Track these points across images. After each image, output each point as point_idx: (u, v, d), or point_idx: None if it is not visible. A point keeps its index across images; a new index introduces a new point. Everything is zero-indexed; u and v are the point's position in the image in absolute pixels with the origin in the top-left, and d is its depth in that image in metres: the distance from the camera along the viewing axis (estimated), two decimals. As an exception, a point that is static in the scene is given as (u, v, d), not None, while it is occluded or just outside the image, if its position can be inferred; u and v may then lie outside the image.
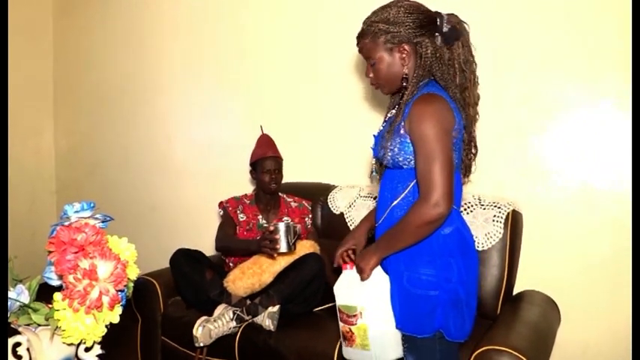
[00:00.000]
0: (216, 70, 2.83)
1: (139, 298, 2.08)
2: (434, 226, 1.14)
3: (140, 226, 3.11)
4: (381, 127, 1.32)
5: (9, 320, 1.04)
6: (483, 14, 1.93)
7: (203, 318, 1.82)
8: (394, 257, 1.22)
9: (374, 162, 1.33)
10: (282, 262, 1.94)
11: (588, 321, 1.88)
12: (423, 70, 1.23)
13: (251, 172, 2.26)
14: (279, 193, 2.26)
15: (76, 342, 1.00)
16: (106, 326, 1.03)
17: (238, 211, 2.19)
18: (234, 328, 1.84)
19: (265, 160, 2.16)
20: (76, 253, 1.00)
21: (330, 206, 2.26)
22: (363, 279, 1.25)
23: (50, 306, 1.03)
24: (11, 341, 1.00)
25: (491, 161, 1.89)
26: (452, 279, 1.17)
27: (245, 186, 2.52)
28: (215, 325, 1.79)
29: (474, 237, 1.43)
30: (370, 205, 2.15)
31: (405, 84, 1.25)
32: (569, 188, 1.92)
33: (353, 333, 1.25)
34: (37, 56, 3.56)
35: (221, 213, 2.23)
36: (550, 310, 1.78)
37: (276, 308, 1.83)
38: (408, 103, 1.20)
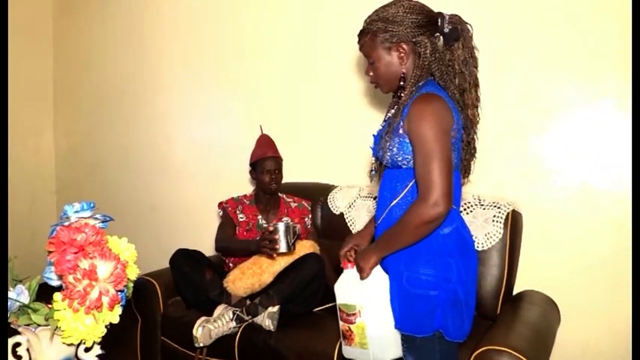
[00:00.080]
0: (216, 70, 2.83)
1: (139, 298, 2.08)
2: (433, 225, 1.14)
3: (140, 226, 3.11)
4: (381, 127, 1.32)
5: (9, 320, 1.04)
6: (483, 14, 1.93)
7: (203, 318, 1.82)
8: (394, 257, 1.22)
9: (374, 161, 1.33)
10: (282, 262, 1.94)
11: (588, 321, 1.88)
12: (421, 69, 1.23)
13: (251, 172, 2.26)
14: (279, 194, 2.26)
15: (76, 342, 1.00)
16: (106, 326, 1.03)
17: (238, 212, 2.19)
18: (234, 328, 1.84)
19: (265, 160, 2.16)
20: (75, 253, 1.00)
21: (330, 206, 2.26)
22: (362, 278, 1.25)
23: (50, 306, 1.03)
24: (11, 341, 1.00)
25: (491, 161, 1.89)
26: (451, 279, 1.17)
27: (245, 186, 2.52)
28: (215, 326, 1.79)
29: (474, 237, 1.43)
30: (370, 205, 2.15)
31: (403, 83, 1.25)
32: (569, 188, 1.92)
33: (352, 332, 1.25)
34: (37, 56, 3.56)
35: (220, 213, 2.23)
36: (550, 310, 1.77)
37: (276, 308, 1.83)
38: (407, 103, 1.20)
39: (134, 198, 3.23)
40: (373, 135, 1.33)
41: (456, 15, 1.25)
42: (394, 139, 1.21)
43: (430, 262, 1.18)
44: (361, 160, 2.19)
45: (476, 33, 1.28)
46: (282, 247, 1.84)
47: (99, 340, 1.04)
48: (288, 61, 2.57)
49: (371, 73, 1.31)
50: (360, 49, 1.32)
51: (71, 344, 1.02)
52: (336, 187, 2.33)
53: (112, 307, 1.01)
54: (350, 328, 1.26)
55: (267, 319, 1.81)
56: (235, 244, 2.10)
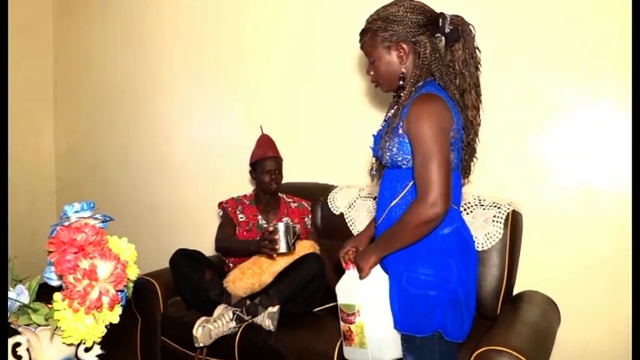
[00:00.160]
0: (216, 70, 2.83)
1: (139, 298, 2.08)
2: (431, 225, 1.14)
3: (140, 226, 3.11)
4: (381, 127, 1.32)
5: (9, 320, 1.04)
6: (483, 14, 1.92)
7: (203, 318, 1.82)
8: (394, 257, 1.22)
9: (374, 161, 1.33)
10: (282, 263, 1.94)
11: (588, 321, 1.88)
12: (420, 69, 1.23)
13: (251, 172, 2.25)
14: (279, 194, 2.26)
15: (76, 342, 1.00)
16: (106, 326, 1.03)
17: (238, 212, 2.19)
18: (234, 328, 1.84)
19: (265, 160, 2.16)
20: (75, 253, 1.00)
21: (330, 206, 2.26)
22: (361, 277, 1.25)
23: (50, 306, 1.03)
24: (11, 341, 1.00)
25: (492, 161, 1.89)
26: (451, 279, 1.17)
27: (245, 186, 2.52)
28: (215, 326, 1.79)
29: (474, 237, 1.42)
30: (370, 205, 2.15)
31: (403, 83, 1.25)
32: (569, 188, 1.92)
33: (352, 332, 1.26)
34: (37, 56, 3.55)
35: (220, 213, 2.23)
36: (550, 311, 1.78)
37: (276, 308, 1.83)
38: (407, 103, 1.20)
39: (134, 198, 3.23)
40: (373, 135, 1.34)
41: (459, 16, 1.25)
42: (394, 139, 1.21)
43: (430, 262, 1.18)
44: (361, 160, 2.19)
45: (476, 33, 1.28)
46: (282, 247, 1.84)
47: (99, 340, 1.04)
48: (288, 61, 2.57)
49: (371, 73, 1.31)
50: (361, 48, 1.33)
51: (71, 344, 1.02)
52: (336, 187, 2.32)
53: (112, 307, 1.01)
54: (350, 329, 1.26)
55: (267, 319, 1.81)
56: (235, 244, 2.10)
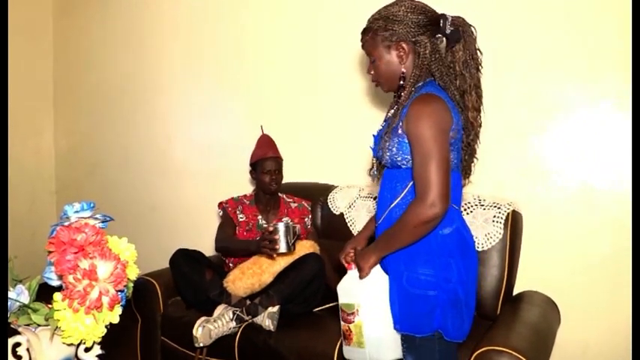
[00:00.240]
0: (216, 70, 2.83)
1: (139, 298, 2.08)
2: (431, 225, 1.14)
3: (140, 226, 3.11)
4: (381, 127, 1.32)
5: (9, 320, 1.04)
6: (483, 14, 1.92)
7: (203, 318, 1.82)
8: (394, 257, 1.22)
9: (374, 161, 1.33)
10: (282, 263, 1.94)
11: (588, 321, 1.88)
12: (420, 69, 1.23)
13: (251, 172, 2.25)
14: (279, 194, 2.26)
15: (76, 342, 1.00)
16: (106, 326, 1.03)
17: (238, 212, 2.19)
18: (234, 328, 1.84)
19: (265, 160, 2.16)
20: (75, 253, 1.00)
21: (330, 206, 2.26)
22: (361, 277, 1.25)
23: (50, 306, 1.03)
24: (11, 341, 1.00)
25: (492, 161, 1.89)
26: (451, 279, 1.18)
27: (245, 186, 2.52)
28: (215, 326, 1.79)
29: (474, 237, 1.42)
30: (370, 205, 2.15)
31: (403, 82, 1.25)
32: (569, 188, 1.92)
33: (351, 331, 1.26)
34: (37, 56, 3.55)
35: (220, 213, 2.23)
36: (550, 311, 1.78)
37: (275, 308, 1.83)
38: (406, 103, 1.20)
39: (134, 198, 3.23)
40: (373, 135, 1.34)
41: (460, 17, 1.25)
42: (393, 139, 1.21)
43: (429, 262, 1.18)
44: (361, 160, 2.19)
45: (477, 34, 1.28)
46: (282, 247, 1.84)
47: (99, 340, 1.04)
48: (288, 61, 2.57)
49: (372, 72, 1.31)
50: (362, 47, 1.33)
51: (71, 344, 1.02)
52: (336, 187, 2.32)
53: (112, 307, 1.01)
54: (349, 328, 1.27)
55: (267, 319, 1.81)
56: (235, 244, 2.10)
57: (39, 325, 1.04)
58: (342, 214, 2.22)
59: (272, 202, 2.23)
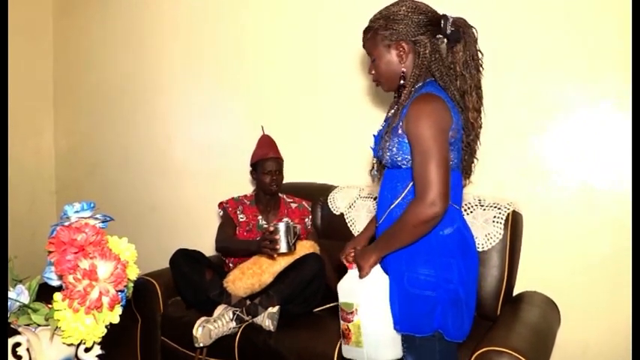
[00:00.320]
0: (216, 70, 2.83)
1: (139, 298, 2.08)
2: (430, 225, 1.14)
3: (140, 226, 3.11)
4: (381, 127, 1.32)
5: (9, 320, 1.04)
6: (483, 14, 1.92)
7: (203, 318, 1.82)
8: (394, 257, 1.22)
9: (374, 161, 1.33)
10: (282, 263, 1.94)
11: (588, 321, 1.88)
12: (420, 69, 1.23)
13: (251, 172, 2.25)
14: (279, 194, 2.26)
15: (76, 342, 1.00)
16: (106, 326, 1.03)
17: (238, 212, 2.19)
18: (234, 328, 1.84)
19: (266, 161, 2.16)
20: (76, 253, 1.00)
21: (330, 207, 2.26)
22: (361, 276, 1.25)
23: (50, 306, 1.03)
24: (11, 341, 1.00)
25: (492, 161, 1.89)
26: (453, 280, 1.18)
27: (245, 186, 2.52)
28: (215, 326, 1.79)
29: (474, 237, 1.42)
30: (370, 205, 2.15)
31: (402, 82, 1.25)
32: (569, 188, 1.92)
33: (350, 330, 1.26)
34: (37, 56, 3.55)
35: (221, 213, 2.23)
36: (550, 311, 1.78)
37: (275, 309, 1.83)
38: (406, 103, 1.20)
39: (134, 198, 3.23)
40: (374, 135, 1.34)
41: (462, 18, 1.25)
42: (393, 139, 1.21)
43: (430, 262, 1.18)
44: (361, 161, 2.19)
45: (477, 34, 1.28)
46: (283, 247, 1.84)
47: (99, 340, 1.04)
48: (288, 61, 2.57)
49: (373, 72, 1.32)
50: (364, 47, 1.34)
51: (71, 344, 1.02)
52: (336, 187, 2.32)
53: (112, 307, 1.01)
54: (348, 327, 1.27)
55: (267, 320, 1.81)
56: (236, 244, 2.10)
57: (39, 325, 1.04)
58: (342, 215, 2.22)
59: (272, 203, 2.23)
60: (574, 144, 1.91)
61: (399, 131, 1.20)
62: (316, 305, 1.95)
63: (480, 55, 1.26)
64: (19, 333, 1.02)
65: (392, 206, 1.24)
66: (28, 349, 1.01)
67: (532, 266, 1.92)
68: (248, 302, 1.88)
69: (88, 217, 1.07)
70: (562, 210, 1.93)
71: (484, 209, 1.87)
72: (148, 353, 2.09)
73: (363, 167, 2.19)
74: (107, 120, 3.37)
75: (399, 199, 1.23)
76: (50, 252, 1.01)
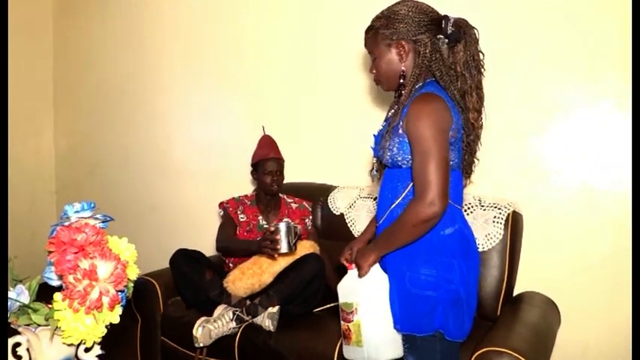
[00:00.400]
0: (216, 70, 2.83)
1: (139, 298, 2.08)
2: (430, 224, 1.14)
3: (140, 226, 3.11)
4: (381, 127, 1.32)
5: (9, 320, 1.04)
6: (483, 14, 1.92)
7: (203, 318, 1.82)
8: (395, 257, 1.22)
9: (374, 161, 1.34)
10: (282, 263, 1.94)
11: (588, 321, 1.88)
12: (420, 68, 1.23)
13: (252, 172, 2.25)
14: (280, 194, 2.26)
15: (76, 342, 1.00)
16: (106, 326, 1.03)
17: (239, 212, 2.19)
18: (234, 328, 1.84)
19: (267, 161, 2.16)
20: (76, 253, 1.00)
21: (330, 207, 2.26)
22: (360, 275, 1.25)
23: (50, 306, 1.03)
24: (11, 341, 1.00)
25: (492, 161, 1.89)
26: (454, 280, 1.18)
27: (245, 186, 2.52)
28: (215, 326, 1.79)
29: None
30: (370, 205, 2.14)
31: (403, 81, 1.25)
32: (569, 188, 1.92)
33: (350, 330, 1.26)
34: (37, 56, 3.55)
35: (221, 213, 2.23)
36: (550, 312, 1.77)
37: (275, 309, 1.83)
38: (407, 102, 1.20)
39: (134, 198, 3.23)
40: (374, 135, 1.34)
41: (463, 19, 1.25)
42: (394, 138, 1.21)
43: (430, 262, 1.18)
44: (361, 161, 2.19)
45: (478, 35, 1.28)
46: (284, 247, 1.84)
47: (99, 340, 1.04)
48: (288, 61, 2.57)
49: (374, 71, 1.32)
50: (365, 46, 1.34)
51: (71, 344, 1.02)
52: (336, 187, 2.32)
53: (112, 307, 1.01)
54: (349, 327, 1.27)
55: (267, 320, 1.81)
56: (236, 244, 2.09)
57: (39, 325, 1.04)
58: (342, 215, 2.22)
59: (273, 203, 2.23)
60: (574, 144, 1.91)
61: (400, 131, 1.20)
62: (316, 305, 1.95)
63: (481, 56, 1.26)
64: (19, 333, 1.02)
65: (392, 206, 1.24)
66: (28, 349, 1.01)
67: (532, 266, 1.92)
68: (248, 302, 1.88)
69: (88, 217, 1.07)
70: (562, 210, 1.93)
71: (484, 209, 1.86)
72: (148, 353, 2.09)
73: (363, 167, 2.19)
74: (107, 120, 3.37)
75: (400, 198, 1.23)
76: (50, 252, 1.01)
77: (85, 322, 0.98)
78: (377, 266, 1.26)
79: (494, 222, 1.83)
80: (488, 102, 1.31)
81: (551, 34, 1.92)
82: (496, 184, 2.00)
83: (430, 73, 1.25)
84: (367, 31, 1.32)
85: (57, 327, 0.99)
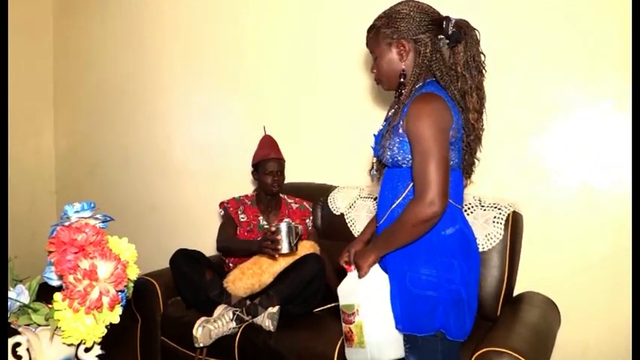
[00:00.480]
0: (216, 70, 2.83)
1: (139, 298, 2.08)
2: (429, 224, 1.14)
3: (140, 226, 3.11)
4: (382, 126, 1.32)
5: (9, 320, 1.04)
6: (483, 14, 1.92)
7: (203, 318, 1.82)
8: (395, 257, 1.22)
9: (374, 161, 1.34)
10: (282, 263, 1.94)
11: (588, 321, 1.88)
12: (420, 68, 1.23)
13: (253, 173, 2.25)
14: (281, 194, 2.26)
15: (76, 342, 1.00)
16: (106, 326, 1.03)
17: (239, 212, 2.19)
18: (234, 328, 1.84)
19: (268, 161, 2.16)
20: (76, 253, 1.00)
21: (331, 207, 2.26)
22: (360, 276, 1.25)
23: (50, 306, 1.03)
24: (11, 341, 1.00)
25: (492, 161, 1.88)
26: (454, 280, 1.18)
27: (245, 186, 2.52)
28: (215, 326, 1.79)
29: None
30: (370, 205, 2.14)
31: (403, 80, 1.26)
32: (569, 188, 1.92)
33: (352, 332, 1.26)
34: (37, 56, 3.55)
35: (222, 213, 2.23)
36: (550, 312, 1.77)
37: (275, 309, 1.83)
38: (407, 102, 1.20)
39: (134, 198, 3.23)
40: (374, 135, 1.34)
41: (465, 20, 1.25)
42: (394, 138, 1.21)
43: (431, 262, 1.18)
44: (361, 161, 2.19)
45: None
46: (285, 247, 1.84)
47: (99, 340, 1.04)
48: (288, 61, 2.57)
49: (374, 70, 1.32)
50: (367, 45, 1.35)
51: (71, 344, 1.02)
52: (336, 187, 2.32)
53: (112, 307, 1.01)
54: (350, 329, 1.26)
55: (267, 320, 1.81)
56: (237, 244, 2.09)
57: (39, 325, 1.04)
58: (342, 215, 2.22)
59: (273, 203, 2.23)
60: (574, 144, 1.91)
61: (400, 130, 1.20)
62: (316, 305, 1.95)
63: (482, 57, 1.26)
64: (19, 333, 1.02)
65: (393, 206, 1.24)
66: (28, 349, 1.01)
67: (532, 266, 1.92)
68: (248, 302, 1.88)
69: (88, 217, 1.07)
70: (562, 210, 1.93)
71: (484, 209, 1.86)
72: (148, 353, 2.09)
73: (363, 167, 2.19)
74: (107, 120, 3.37)
75: (400, 198, 1.23)
76: (50, 252, 1.01)
77: (85, 322, 0.98)
78: (377, 266, 1.26)
79: (494, 222, 1.83)
80: (488, 102, 1.31)
81: (551, 34, 1.92)
82: (496, 184, 2.00)
83: (430, 72, 1.25)
84: (369, 31, 1.32)
85: (57, 327, 0.99)
